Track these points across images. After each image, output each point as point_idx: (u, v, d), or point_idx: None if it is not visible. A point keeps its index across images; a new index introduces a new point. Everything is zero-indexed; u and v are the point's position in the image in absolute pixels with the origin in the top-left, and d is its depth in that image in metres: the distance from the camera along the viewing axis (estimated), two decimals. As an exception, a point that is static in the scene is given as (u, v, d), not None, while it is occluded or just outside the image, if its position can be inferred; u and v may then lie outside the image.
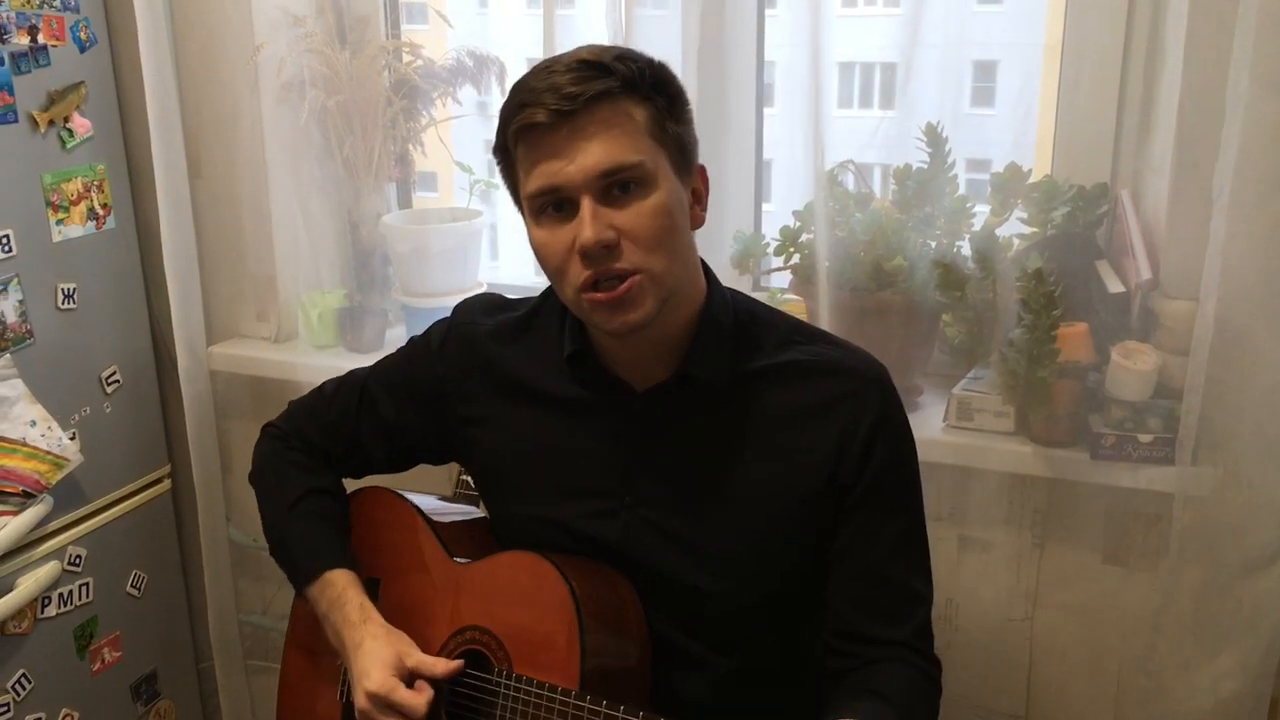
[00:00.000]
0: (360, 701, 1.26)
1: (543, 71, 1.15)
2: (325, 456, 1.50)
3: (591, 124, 1.12)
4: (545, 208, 1.17)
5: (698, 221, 1.24)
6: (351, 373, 1.54)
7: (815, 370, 1.25)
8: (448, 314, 1.47)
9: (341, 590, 1.36)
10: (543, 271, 1.22)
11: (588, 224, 1.12)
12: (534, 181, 1.16)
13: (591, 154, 1.12)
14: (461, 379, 1.39)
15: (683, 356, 1.25)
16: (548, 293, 1.35)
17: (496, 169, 1.26)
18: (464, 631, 1.33)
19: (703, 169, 1.25)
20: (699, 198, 1.24)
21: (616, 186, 1.14)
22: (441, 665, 1.28)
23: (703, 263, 1.30)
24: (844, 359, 1.27)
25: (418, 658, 1.29)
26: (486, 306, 1.43)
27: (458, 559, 1.37)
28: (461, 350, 1.39)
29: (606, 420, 1.29)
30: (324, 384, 1.56)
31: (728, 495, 1.25)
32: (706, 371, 1.24)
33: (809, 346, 1.28)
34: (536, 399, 1.33)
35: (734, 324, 1.28)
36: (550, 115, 1.11)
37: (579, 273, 1.15)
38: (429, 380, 1.42)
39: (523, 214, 1.23)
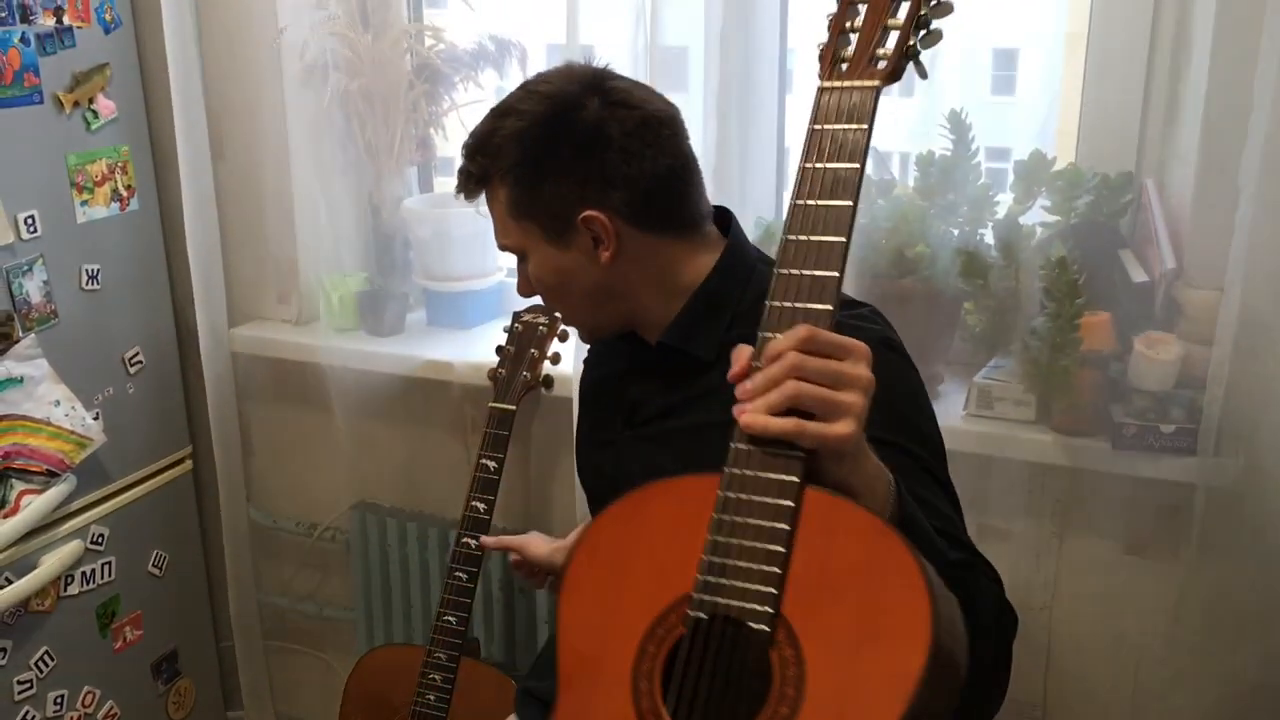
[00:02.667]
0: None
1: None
2: None
3: (490, 204, 1.28)
4: None
5: (605, 262, 1.25)
6: None
7: None
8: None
9: None
10: None
11: (518, 279, 1.32)
12: None
13: (496, 232, 1.30)
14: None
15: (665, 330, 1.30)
16: None
17: None
18: None
19: (591, 218, 1.22)
20: (601, 241, 1.23)
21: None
22: None
23: (732, 240, 1.29)
24: (841, 327, 1.22)
25: None
26: None
27: None
28: None
29: (615, 365, 1.40)
30: None
31: (691, 441, 1.21)
32: (690, 342, 1.27)
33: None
34: (597, 350, 1.48)
35: (743, 297, 1.27)
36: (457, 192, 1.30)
37: None
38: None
39: None
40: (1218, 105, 1.47)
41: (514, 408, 1.82)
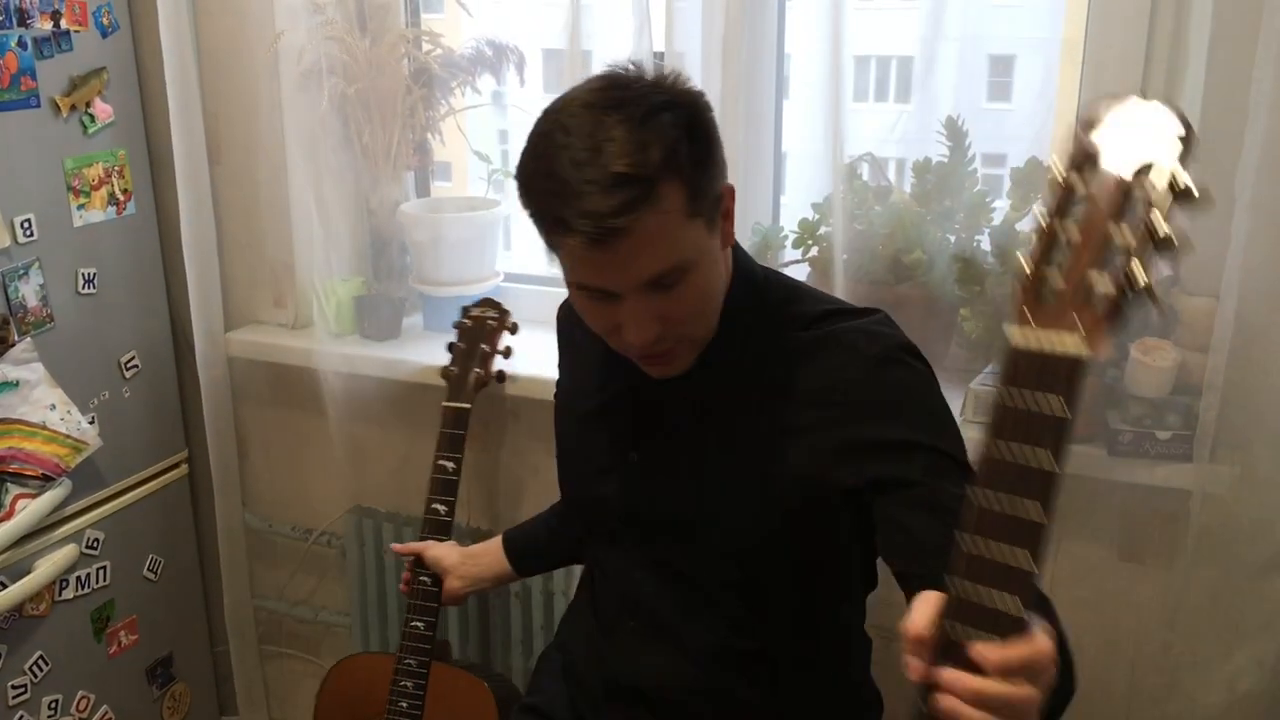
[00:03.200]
0: None
1: (576, 181, 1.08)
2: None
3: (633, 237, 1.08)
4: (586, 293, 1.18)
5: (729, 240, 1.23)
6: None
7: (833, 344, 1.23)
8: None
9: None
10: None
11: (633, 329, 1.15)
12: (578, 277, 1.16)
13: (636, 266, 1.11)
14: (563, 338, 1.48)
15: (705, 346, 1.25)
16: None
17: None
18: None
19: (730, 190, 1.21)
20: (728, 215, 1.21)
21: (662, 285, 1.14)
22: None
23: (737, 248, 1.29)
24: (856, 333, 1.23)
25: None
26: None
27: None
28: (562, 320, 1.48)
29: (623, 382, 1.31)
30: None
31: (723, 463, 1.26)
32: (725, 358, 1.25)
33: (829, 321, 1.25)
34: (585, 355, 1.39)
35: (762, 306, 1.27)
36: (587, 241, 1.08)
37: (621, 345, 1.20)
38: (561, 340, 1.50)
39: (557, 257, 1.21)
40: (1213, 113, 1.47)
41: (469, 406, 1.82)
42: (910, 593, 1.13)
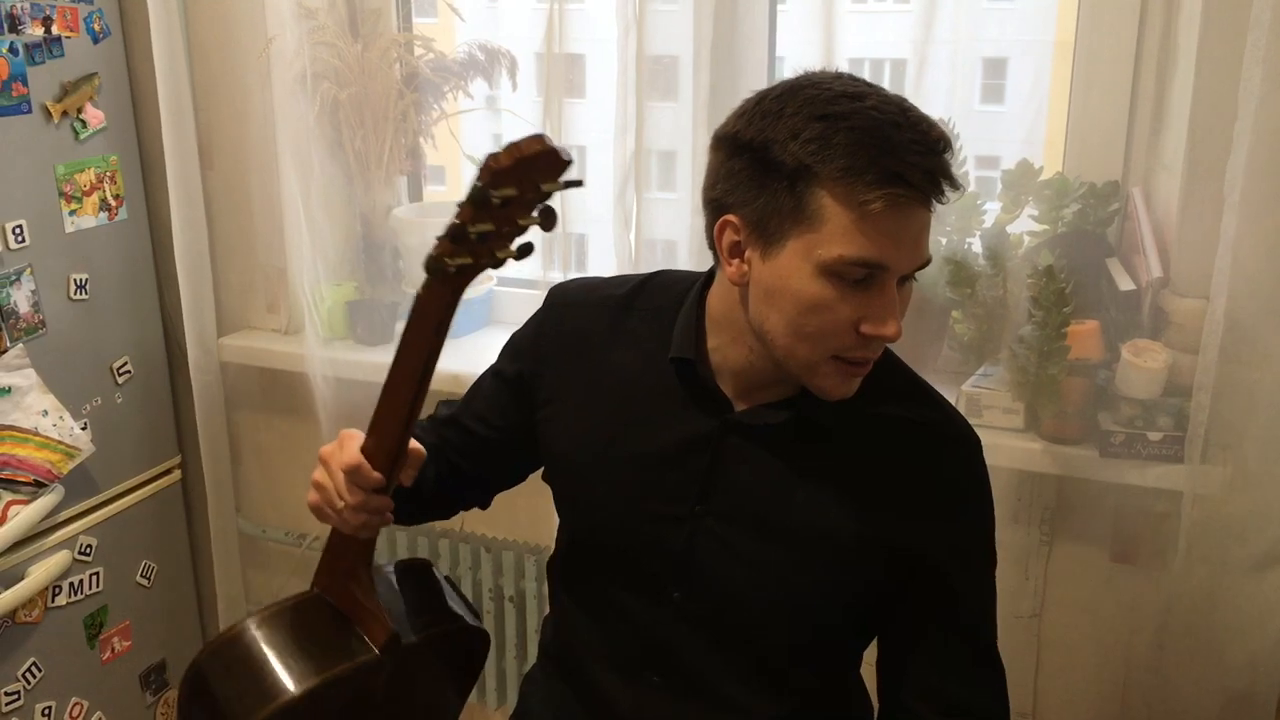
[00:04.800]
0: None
1: (911, 138, 1.02)
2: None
3: (932, 214, 1.06)
4: (849, 274, 1.05)
5: None
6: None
7: (917, 429, 1.20)
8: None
9: None
10: (792, 319, 1.09)
11: (894, 318, 1.07)
12: (857, 248, 1.03)
13: (922, 245, 1.07)
14: (551, 358, 1.31)
15: (796, 392, 1.18)
16: (652, 276, 1.31)
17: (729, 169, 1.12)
18: None
19: None
20: None
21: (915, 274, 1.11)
22: None
23: None
24: (947, 424, 1.22)
25: None
26: (582, 286, 1.35)
27: None
28: (557, 328, 1.32)
29: (695, 427, 1.21)
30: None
31: (802, 527, 1.19)
32: (818, 411, 1.17)
33: (916, 405, 1.22)
34: (624, 387, 1.26)
35: None
36: (918, 196, 1.03)
37: (849, 347, 1.09)
38: (526, 371, 1.34)
39: (777, 241, 1.08)
40: (1203, 114, 1.48)
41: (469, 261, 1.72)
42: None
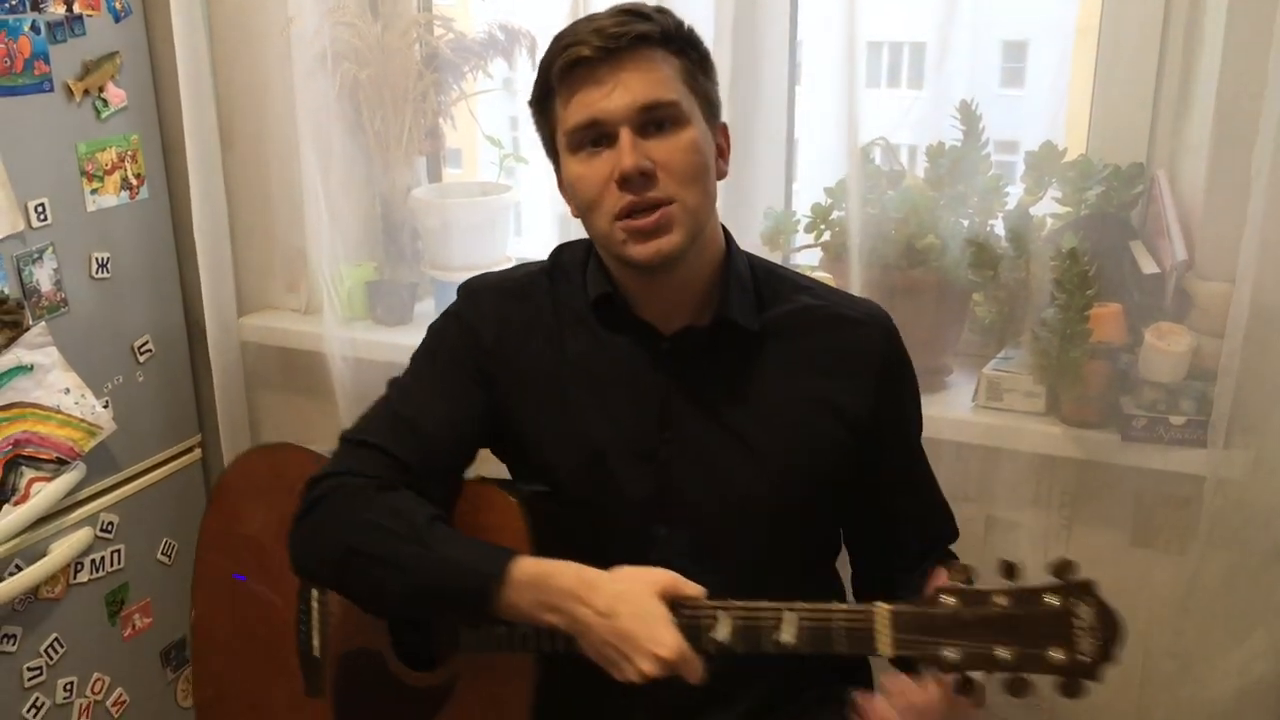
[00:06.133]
0: (665, 658, 1.11)
1: (584, 19, 1.24)
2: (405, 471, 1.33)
3: (631, 63, 1.20)
4: (584, 142, 1.22)
5: (721, 173, 1.30)
6: (391, 383, 1.41)
7: (833, 319, 1.33)
8: None
9: (543, 564, 1.19)
10: (575, 208, 1.27)
11: (627, 152, 1.19)
12: (574, 115, 1.22)
13: (631, 89, 1.19)
14: (484, 338, 1.35)
15: (711, 302, 1.30)
16: (557, 251, 1.41)
17: (532, 123, 1.31)
18: None
19: (724, 127, 1.31)
20: (722, 153, 1.30)
21: (653, 124, 1.21)
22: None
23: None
24: (855, 307, 1.36)
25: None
26: (488, 276, 1.43)
27: None
28: (476, 314, 1.37)
29: (634, 364, 1.31)
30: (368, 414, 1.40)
31: (760, 429, 1.29)
32: (741, 316, 1.29)
33: (820, 294, 1.36)
34: (559, 350, 1.33)
35: (751, 276, 1.34)
36: (595, 51, 1.19)
37: (615, 201, 1.21)
38: (461, 349, 1.37)
39: (556, 161, 1.29)
40: (1229, 95, 1.46)
41: None
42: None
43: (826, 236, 1.75)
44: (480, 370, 1.35)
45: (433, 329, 1.41)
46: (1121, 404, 1.55)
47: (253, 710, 1.45)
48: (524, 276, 1.39)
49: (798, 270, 1.43)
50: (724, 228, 1.34)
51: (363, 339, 2.06)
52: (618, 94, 1.19)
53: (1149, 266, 1.56)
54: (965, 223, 1.66)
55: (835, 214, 1.74)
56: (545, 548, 1.25)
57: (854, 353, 1.31)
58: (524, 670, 1.29)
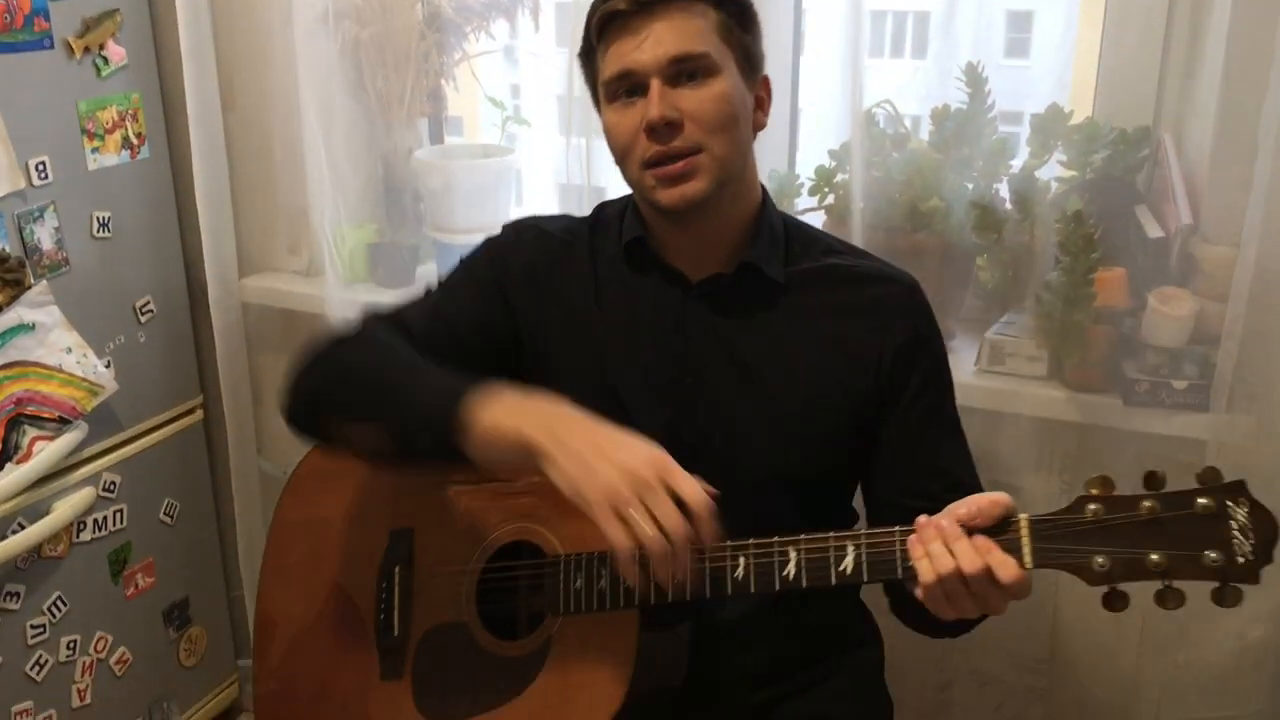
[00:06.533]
0: (635, 468, 1.11)
1: None
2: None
3: (665, 15, 1.24)
4: (618, 92, 1.27)
5: (759, 124, 1.34)
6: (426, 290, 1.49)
7: (859, 276, 1.35)
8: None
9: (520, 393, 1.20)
10: (613, 152, 1.31)
11: (655, 102, 1.23)
12: (610, 66, 1.27)
13: (663, 41, 1.23)
14: (513, 266, 1.42)
15: (741, 249, 1.33)
16: (600, 207, 1.46)
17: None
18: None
19: (767, 80, 1.34)
20: (762, 105, 1.34)
21: (685, 74, 1.24)
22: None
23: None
24: (884, 269, 1.38)
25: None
26: (534, 216, 1.50)
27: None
28: (511, 245, 1.44)
29: (660, 307, 1.35)
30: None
31: (782, 380, 1.32)
32: (767, 265, 1.32)
33: (850, 256, 1.39)
34: (590, 293, 1.39)
35: (784, 229, 1.37)
36: (630, 4, 1.24)
37: (644, 148, 1.25)
38: (486, 269, 1.44)
39: (599, 110, 1.34)
40: (1237, 59, 1.45)
41: None
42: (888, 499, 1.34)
43: (830, 199, 1.75)
44: (501, 291, 1.41)
45: (468, 254, 1.49)
46: (1124, 368, 1.55)
47: (320, 699, 1.42)
48: (566, 222, 1.46)
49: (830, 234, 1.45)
50: (763, 186, 1.38)
51: (365, 301, 2.05)
52: (648, 45, 1.24)
53: (1154, 230, 1.55)
54: (970, 186, 1.66)
55: (839, 177, 1.73)
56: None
57: (878, 305, 1.33)
58: (626, 629, 1.24)
